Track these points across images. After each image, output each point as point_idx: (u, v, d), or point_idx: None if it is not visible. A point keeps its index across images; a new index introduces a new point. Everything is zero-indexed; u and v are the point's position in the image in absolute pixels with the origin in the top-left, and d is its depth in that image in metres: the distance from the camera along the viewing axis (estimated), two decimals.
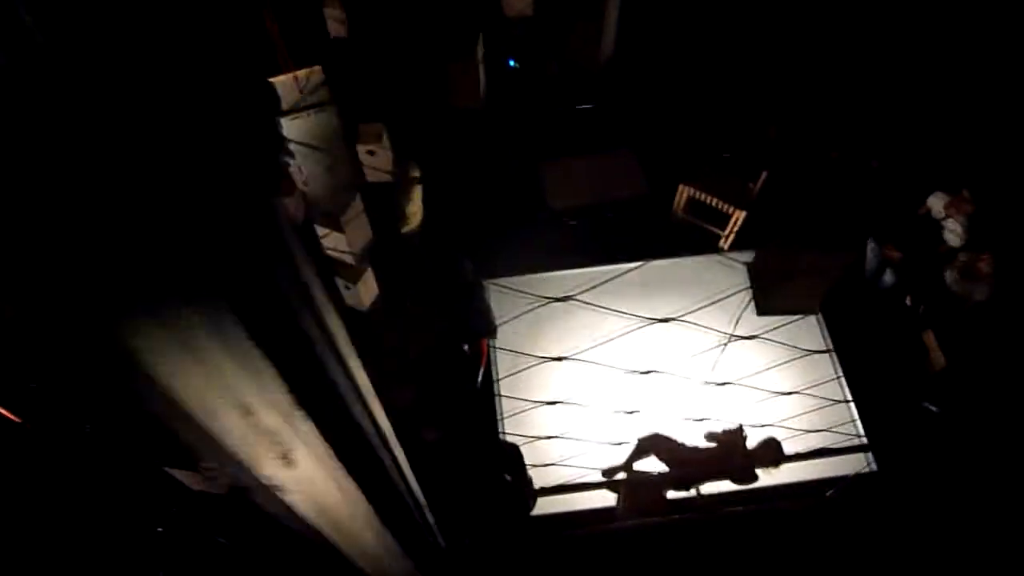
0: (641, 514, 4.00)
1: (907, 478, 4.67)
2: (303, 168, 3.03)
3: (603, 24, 4.69)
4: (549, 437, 3.57)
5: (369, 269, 3.88)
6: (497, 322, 5.26)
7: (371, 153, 3.74)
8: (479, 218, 5.52)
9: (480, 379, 5.17)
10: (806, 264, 2.28)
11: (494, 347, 5.20)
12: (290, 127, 3.00)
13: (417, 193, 4.53)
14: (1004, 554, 4.27)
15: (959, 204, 4.97)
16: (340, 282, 3.84)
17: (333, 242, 3.43)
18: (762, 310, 2.59)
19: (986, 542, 4.35)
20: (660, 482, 3.70)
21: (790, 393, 3.80)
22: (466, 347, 5.25)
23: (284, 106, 2.93)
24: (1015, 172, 4.95)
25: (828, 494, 4.26)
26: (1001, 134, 5.00)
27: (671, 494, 3.99)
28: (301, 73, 2.90)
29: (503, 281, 5.47)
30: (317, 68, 2.95)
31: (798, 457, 3.97)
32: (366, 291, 3.89)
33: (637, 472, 3.77)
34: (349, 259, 3.57)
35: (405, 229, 4.56)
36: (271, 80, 2.92)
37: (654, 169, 5.90)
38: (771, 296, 2.45)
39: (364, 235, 3.46)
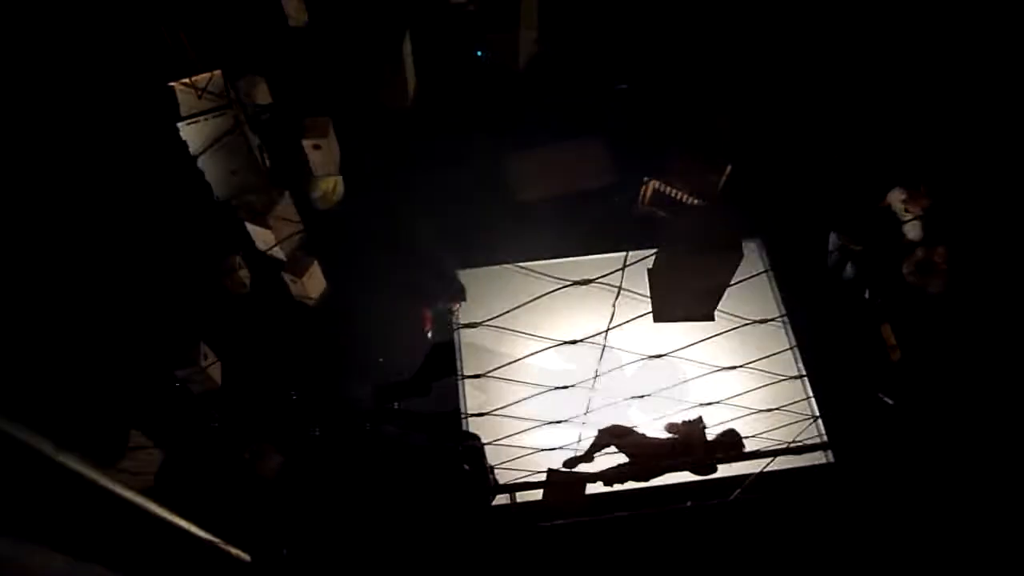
0: (563, 510, 4.04)
1: (861, 468, 4.78)
2: (206, 172, 3.08)
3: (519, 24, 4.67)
4: (511, 403, 3.57)
5: (315, 263, 3.92)
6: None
7: (317, 147, 3.76)
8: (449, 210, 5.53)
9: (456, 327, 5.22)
10: (695, 269, 2.29)
11: (458, 328, 5.27)
12: (188, 132, 3.02)
13: (326, 182, 4.54)
14: (955, 541, 4.38)
15: (917, 199, 5.05)
16: (287, 276, 3.89)
17: (263, 239, 3.47)
18: (657, 317, 2.60)
19: (940, 530, 4.46)
20: (580, 480, 3.75)
21: (744, 365, 3.84)
22: (431, 313, 5.33)
23: (183, 111, 2.97)
24: (972, 168, 5.02)
25: (735, 494, 4.29)
26: (960, 131, 5.06)
27: (595, 488, 4.04)
28: (200, 77, 2.91)
29: (474, 272, 5.46)
30: (217, 72, 2.96)
31: (758, 455, 4.04)
32: (312, 285, 3.92)
33: (558, 471, 3.82)
34: (281, 256, 3.62)
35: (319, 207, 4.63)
36: (171, 84, 2.95)
37: (626, 160, 5.91)
38: (666, 303, 2.46)
39: (294, 231, 3.51)
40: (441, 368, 5.14)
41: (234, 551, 3.08)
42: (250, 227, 3.40)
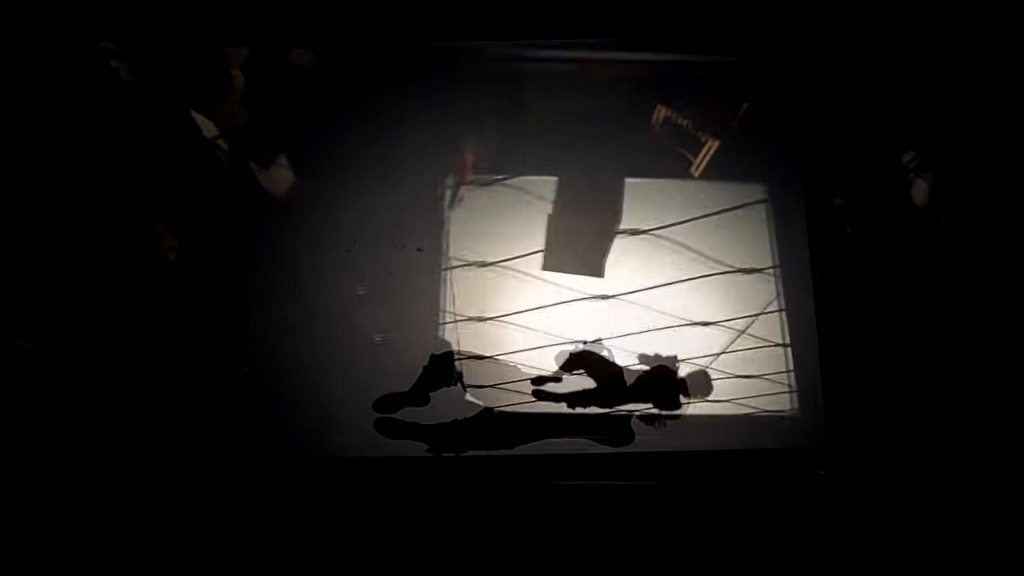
0: None
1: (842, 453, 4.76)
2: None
3: None
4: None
5: (282, 155, 3.75)
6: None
7: None
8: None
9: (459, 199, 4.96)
10: (582, 222, 2.21)
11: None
12: None
13: None
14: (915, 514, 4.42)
15: (927, 162, 4.88)
16: (253, 165, 3.72)
17: (205, 127, 3.29)
18: (545, 265, 2.52)
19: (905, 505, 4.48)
20: None
21: (725, 321, 3.79)
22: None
23: None
24: (990, 142, 4.81)
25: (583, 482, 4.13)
26: (985, 106, 4.81)
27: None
28: None
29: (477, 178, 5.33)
30: None
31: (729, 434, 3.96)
32: (278, 176, 3.78)
33: None
34: (223, 146, 3.44)
35: None
36: None
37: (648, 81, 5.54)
38: (555, 252, 2.38)
39: (239, 120, 3.32)
40: (440, 378, 4.92)
41: None
42: (193, 114, 3.23)
